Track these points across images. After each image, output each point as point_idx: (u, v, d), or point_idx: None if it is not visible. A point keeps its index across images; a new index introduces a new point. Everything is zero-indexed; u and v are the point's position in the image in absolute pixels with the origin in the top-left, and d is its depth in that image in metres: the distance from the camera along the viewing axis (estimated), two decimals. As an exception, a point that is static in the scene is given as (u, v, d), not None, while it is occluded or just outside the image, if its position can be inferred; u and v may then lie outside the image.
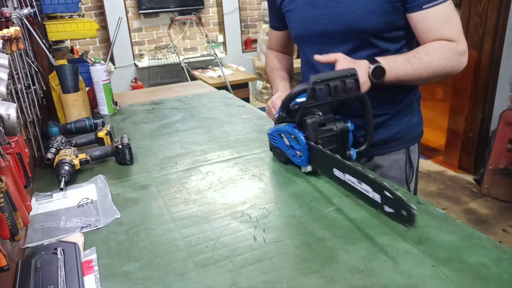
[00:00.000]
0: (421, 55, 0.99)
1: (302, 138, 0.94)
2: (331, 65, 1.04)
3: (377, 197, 0.72)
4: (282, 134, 1.02)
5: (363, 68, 0.97)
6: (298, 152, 0.97)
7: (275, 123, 1.09)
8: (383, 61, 0.98)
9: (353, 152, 0.99)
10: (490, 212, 2.69)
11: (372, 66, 0.96)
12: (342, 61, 0.98)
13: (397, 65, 0.98)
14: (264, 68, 1.39)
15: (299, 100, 0.99)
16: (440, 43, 1.00)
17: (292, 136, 0.97)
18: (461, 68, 1.03)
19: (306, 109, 0.92)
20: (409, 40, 1.09)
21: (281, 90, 1.16)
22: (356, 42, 1.06)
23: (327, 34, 1.08)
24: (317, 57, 1.00)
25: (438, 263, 0.67)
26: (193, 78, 4.76)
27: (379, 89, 1.00)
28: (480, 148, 3.11)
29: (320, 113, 0.94)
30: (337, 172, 0.83)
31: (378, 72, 0.97)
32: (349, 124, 0.96)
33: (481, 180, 2.95)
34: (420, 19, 1.01)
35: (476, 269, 0.66)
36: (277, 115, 1.06)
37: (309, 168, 0.98)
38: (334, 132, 0.95)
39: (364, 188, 0.75)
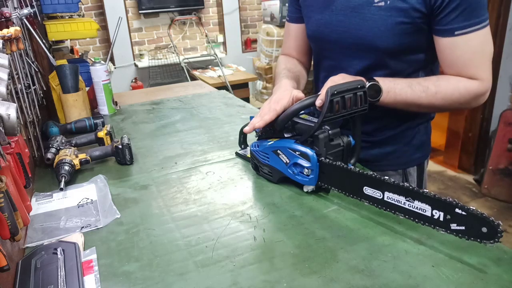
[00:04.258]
0: (428, 84, 0.92)
1: (314, 155, 0.86)
2: (344, 70, 1.01)
3: (439, 215, 0.67)
4: (279, 151, 0.93)
5: None
6: (306, 171, 0.87)
7: (258, 138, 1.01)
8: (381, 81, 0.92)
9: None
10: (490, 212, 2.69)
11: (367, 84, 0.89)
12: (337, 78, 0.92)
13: (396, 88, 0.92)
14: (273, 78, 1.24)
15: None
16: (457, 79, 0.92)
17: (297, 153, 0.89)
18: (473, 107, 0.96)
19: (322, 123, 0.84)
20: (428, 63, 1.01)
21: (283, 90, 0.97)
22: (369, 60, 1.00)
23: (340, 44, 1.03)
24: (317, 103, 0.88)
25: (438, 263, 0.67)
26: (193, 78, 4.76)
27: (382, 108, 0.95)
28: (480, 148, 3.11)
29: (328, 128, 0.88)
30: (369, 191, 0.77)
31: (373, 91, 0.90)
32: (351, 139, 0.92)
33: (481, 180, 2.95)
34: (449, 45, 0.90)
35: (476, 269, 0.66)
36: (261, 128, 0.99)
37: (311, 188, 0.91)
38: (341, 147, 0.89)
39: (418, 206, 0.70)
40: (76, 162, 1.08)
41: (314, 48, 1.16)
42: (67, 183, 1.03)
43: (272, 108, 0.91)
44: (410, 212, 0.72)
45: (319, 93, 0.88)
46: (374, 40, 0.95)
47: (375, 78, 0.93)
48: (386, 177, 0.74)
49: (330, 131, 0.88)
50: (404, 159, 1.12)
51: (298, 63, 1.20)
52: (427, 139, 1.14)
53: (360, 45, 0.98)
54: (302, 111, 0.92)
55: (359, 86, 0.85)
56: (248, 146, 1.16)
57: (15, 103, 0.72)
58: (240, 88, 4.54)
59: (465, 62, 0.90)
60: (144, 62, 4.99)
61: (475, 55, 0.90)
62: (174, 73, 5.15)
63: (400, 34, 0.92)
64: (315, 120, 0.90)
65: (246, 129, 0.94)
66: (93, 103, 1.67)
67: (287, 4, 1.35)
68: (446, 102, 0.92)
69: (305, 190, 0.93)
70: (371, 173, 0.77)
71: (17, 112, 0.61)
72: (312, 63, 1.24)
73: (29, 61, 1.30)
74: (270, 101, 0.94)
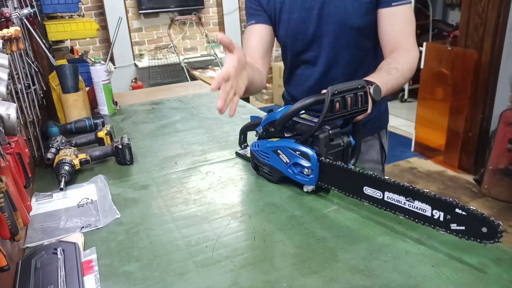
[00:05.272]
0: (395, 65, 1.06)
1: (314, 154, 0.86)
2: (323, 56, 1.18)
3: (439, 215, 0.68)
4: (279, 151, 0.93)
5: None
6: (306, 170, 0.87)
7: (258, 138, 1.02)
8: (373, 79, 0.98)
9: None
10: (490, 212, 2.69)
11: (372, 87, 0.94)
12: None
13: (384, 80, 1.00)
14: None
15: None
16: (402, 53, 1.09)
17: (298, 152, 0.89)
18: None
19: (323, 123, 0.84)
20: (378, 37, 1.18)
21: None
22: (343, 40, 1.17)
23: (319, 33, 1.17)
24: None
25: (438, 263, 0.68)
26: (193, 78, 4.76)
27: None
28: (480, 148, 3.11)
29: (328, 127, 0.88)
30: (369, 191, 0.77)
31: (377, 91, 0.95)
32: (351, 139, 0.92)
33: (481, 180, 2.95)
34: (387, 15, 1.11)
35: (476, 269, 0.66)
36: (261, 128, 1.00)
37: (311, 188, 0.91)
38: (342, 147, 0.90)
39: (418, 206, 0.70)
40: (76, 162, 1.08)
41: (290, 45, 1.24)
42: (67, 183, 1.03)
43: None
44: (410, 212, 0.72)
45: (322, 92, 0.88)
46: (348, 21, 1.13)
47: (367, 79, 0.97)
48: (386, 177, 0.75)
49: (330, 131, 0.88)
50: (377, 124, 1.34)
51: (257, 66, 1.21)
52: (387, 105, 1.39)
53: (335, 29, 1.15)
54: (303, 111, 0.92)
55: (359, 86, 0.86)
56: (248, 146, 1.16)
57: (15, 103, 0.73)
58: (240, 88, 4.52)
59: (400, 30, 1.11)
60: (144, 62, 4.99)
61: (406, 24, 1.12)
62: (174, 73, 5.15)
63: (366, 13, 1.12)
64: (315, 120, 0.90)
65: (212, 87, 0.93)
66: (93, 103, 1.67)
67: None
68: (410, 73, 1.09)
69: (305, 190, 0.93)
70: (371, 173, 0.77)
71: (17, 112, 0.61)
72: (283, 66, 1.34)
73: (29, 61, 1.30)
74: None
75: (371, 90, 0.94)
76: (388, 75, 1.03)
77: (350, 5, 1.12)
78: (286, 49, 1.28)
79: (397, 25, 1.12)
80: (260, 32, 1.24)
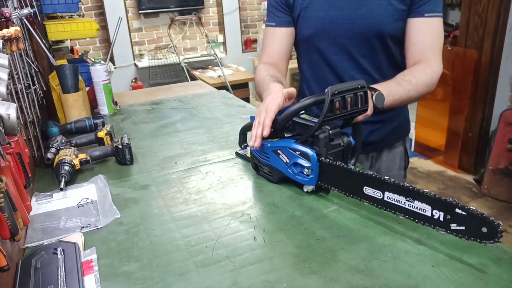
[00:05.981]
0: (409, 78, 1.04)
1: (314, 155, 0.86)
2: (344, 65, 1.14)
3: (439, 215, 0.68)
4: (279, 151, 0.93)
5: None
6: (306, 170, 0.87)
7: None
8: (379, 87, 0.97)
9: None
10: (490, 212, 2.69)
11: (374, 93, 0.94)
12: None
13: (391, 90, 1.00)
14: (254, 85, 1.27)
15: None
16: (422, 67, 1.07)
17: (298, 152, 0.89)
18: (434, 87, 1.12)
19: (323, 123, 0.84)
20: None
21: (275, 92, 0.97)
22: (374, 44, 1.12)
23: (347, 35, 1.12)
24: None
25: (438, 263, 0.68)
26: (193, 78, 4.76)
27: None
28: (480, 148, 3.11)
29: (328, 127, 0.88)
30: (369, 191, 0.77)
31: (379, 99, 0.95)
32: (351, 139, 0.92)
33: (481, 180, 2.95)
34: (418, 25, 1.09)
35: (476, 269, 0.66)
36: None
37: (311, 188, 0.91)
38: (342, 147, 0.90)
39: (418, 206, 0.70)
40: (76, 162, 1.08)
41: (313, 45, 1.17)
42: (67, 183, 1.03)
43: (269, 109, 0.90)
44: (410, 212, 0.72)
45: (325, 91, 0.88)
46: (381, 26, 1.09)
47: (373, 86, 0.96)
48: (386, 177, 0.75)
49: (330, 131, 0.88)
50: (403, 130, 1.33)
51: (278, 71, 1.19)
52: (408, 111, 1.36)
53: (366, 32, 1.11)
54: (303, 111, 0.92)
55: (359, 86, 0.86)
56: (248, 146, 1.16)
57: (15, 103, 0.73)
58: (240, 88, 4.54)
59: (428, 43, 1.09)
60: (144, 62, 4.99)
61: (435, 38, 1.09)
62: (174, 73, 5.15)
63: (399, 19, 1.09)
64: (315, 120, 0.90)
65: (255, 145, 0.91)
66: (93, 103, 1.67)
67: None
68: (426, 88, 1.07)
69: (305, 190, 0.93)
70: (371, 173, 0.77)
71: (17, 112, 0.61)
72: (302, 70, 1.28)
73: (29, 61, 1.30)
74: (264, 104, 0.93)
75: (373, 98, 0.93)
76: (397, 86, 1.01)
77: (384, 10, 1.08)
78: (308, 48, 1.21)
79: (426, 38, 1.09)
80: (281, 36, 1.21)
